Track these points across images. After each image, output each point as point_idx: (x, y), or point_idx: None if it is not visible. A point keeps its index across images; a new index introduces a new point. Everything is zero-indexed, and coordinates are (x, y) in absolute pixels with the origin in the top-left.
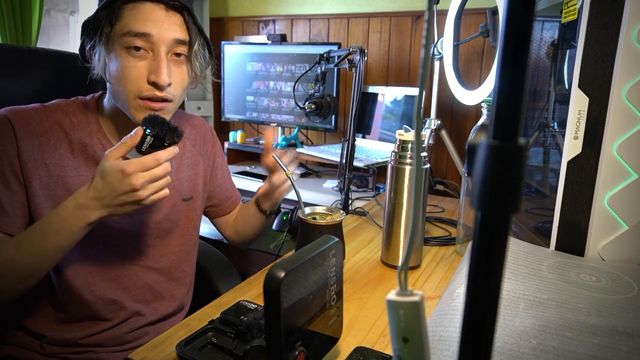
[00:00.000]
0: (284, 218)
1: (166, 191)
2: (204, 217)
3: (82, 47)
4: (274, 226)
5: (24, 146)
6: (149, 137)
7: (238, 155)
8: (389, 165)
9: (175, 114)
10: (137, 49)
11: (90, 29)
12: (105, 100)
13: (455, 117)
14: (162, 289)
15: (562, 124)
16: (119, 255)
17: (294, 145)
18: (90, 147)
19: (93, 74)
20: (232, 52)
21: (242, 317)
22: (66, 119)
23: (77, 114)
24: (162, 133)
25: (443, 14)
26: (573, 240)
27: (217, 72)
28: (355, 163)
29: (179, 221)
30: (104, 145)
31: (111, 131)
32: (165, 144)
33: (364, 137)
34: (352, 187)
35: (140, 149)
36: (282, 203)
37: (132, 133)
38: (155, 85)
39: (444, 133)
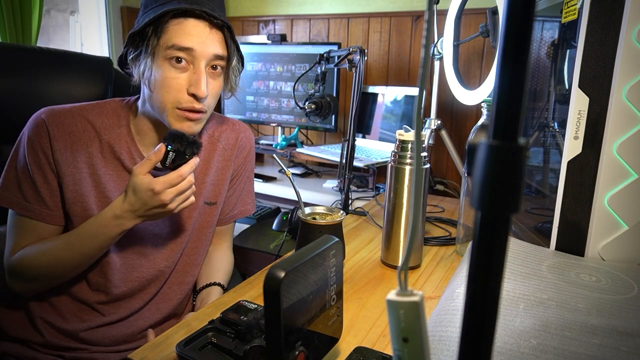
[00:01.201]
0: (284, 218)
1: (192, 199)
2: None
3: (125, 55)
4: (274, 226)
5: (56, 145)
6: (171, 153)
7: None
8: (389, 165)
9: (216, 117)
10: (179, 60)
11: (136, 40)
12: (140, 105)
13: (455, 117)
14: (171, 291)
15: (562, 124)
16: (141, 256)
17: (294, 145)
18: (117, 150)
19: (133, 80)
20: None
21: (242, 317)
22: (98, 120)
23: (110, 116)
24: (182, 147)
25: (443, 14)
26: (573, 240)
27: None
28: (355, 163)
29: (197, 224)
30: (130, 149)
31: (140, 135)
32: (187, 157)
33: (364, 137)
34: (352, 187)
35: (165, 164)
36: (282, 203)
37: (155, 149)
38: (195, 96)
39: (444, 133)
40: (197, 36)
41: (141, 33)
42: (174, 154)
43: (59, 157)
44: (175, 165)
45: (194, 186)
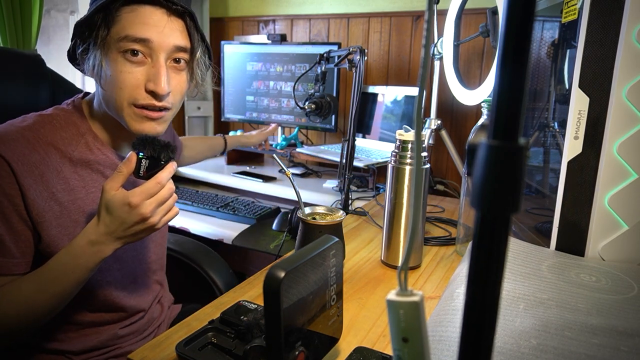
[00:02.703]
0: (284, 218)
1: (176, 209)
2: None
3: (73, 49)
4: (274, 226)
5: (26, 183)
6: (144, 161)
7: (238, 155)
8: (389, 165)
9: None
10: (135, 53)
11: (84, 31)
12: (96, 105)
13: (455, 117)
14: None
15: (562, 124)
16: (135, 252)
17: (294, 145)
18: (93, 161)
19: (87, 75)
20: (232, 52)
21: (242, 317)
22: (57, 136)
23: (67, 128)
24: (155, 153)
25: (443, 14)
26: (573, 240)
27: (218, 79)
28: (355, 163)
29: None
30: (105, 154)
31: (106, 138)
32: (162, 163)
33: (364, 137)
34: (352, 187)
35: (138, 174)
36: (282, 203)
37: (125, 160)
38: (154, 94)
39: (444, 133)
40: (154, 25)
41: (89, 23)
42: (147, 161)
43: (34, 196)
44: (150, 174)
45: (175, 195)
